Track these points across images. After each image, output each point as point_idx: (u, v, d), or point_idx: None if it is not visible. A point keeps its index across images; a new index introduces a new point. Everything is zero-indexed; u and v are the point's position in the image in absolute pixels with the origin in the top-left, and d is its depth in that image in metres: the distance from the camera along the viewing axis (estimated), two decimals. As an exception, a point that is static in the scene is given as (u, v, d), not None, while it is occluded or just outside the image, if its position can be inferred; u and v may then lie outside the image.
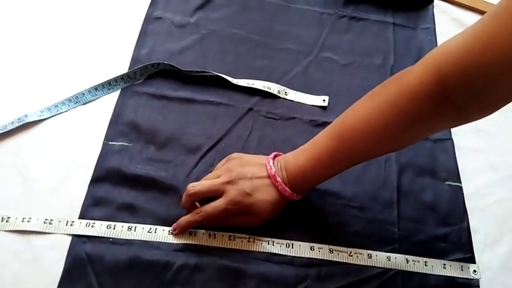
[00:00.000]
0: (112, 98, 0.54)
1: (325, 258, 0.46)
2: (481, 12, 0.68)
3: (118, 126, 0.52)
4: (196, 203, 0.46)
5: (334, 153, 0.43)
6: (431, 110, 0.38)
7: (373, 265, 0.46)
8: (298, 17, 0.65)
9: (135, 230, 0.45)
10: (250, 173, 0.45)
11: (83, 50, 0.58)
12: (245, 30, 0.62)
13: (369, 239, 0.47)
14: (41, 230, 0.44)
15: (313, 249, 0.46)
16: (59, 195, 0.47)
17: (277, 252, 0.46)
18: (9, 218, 0.45)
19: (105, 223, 0.45)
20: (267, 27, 0.63)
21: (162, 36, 0.60)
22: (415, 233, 0.48)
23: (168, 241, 0.45)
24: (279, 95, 0.57)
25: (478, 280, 0.46)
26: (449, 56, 0.35)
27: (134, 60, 0.57)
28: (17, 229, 0.44)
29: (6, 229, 0.44)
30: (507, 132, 0.57)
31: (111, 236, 0.45)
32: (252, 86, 0.57)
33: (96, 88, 0.54)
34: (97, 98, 0.54)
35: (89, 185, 0.48)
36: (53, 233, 0.45)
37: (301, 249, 0.46)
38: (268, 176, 0.45)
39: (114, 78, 0.55)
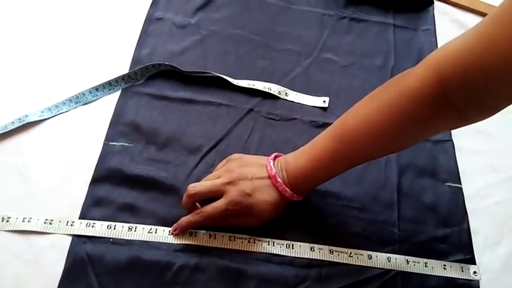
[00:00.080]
0: (113, 98, 0.54)
1: (326, 259, 0.46)
2: (482, 14, 0.68)
3: (119, 126, 0.52)
4: (197, 204, 0.46)
5: (335, 154, 0.43)
6: (431, 112, 0.38)
7: (374, 266, 0.46)
8: (299, 18, 0.65)
9: (135, 230, 0.45)
10: (250, 174, 0.45)
11: (83, 50, 0.58)
12: (246, 31, 0.63)
13: (369, 240, 0.48)
14: (41, 230, 0.44)
15: (314, 250, 0.46)
16: (59, 196, 0.47)
17: (277, 252, 0.46)
18: (9, 218, 0.45)
19: (106, 223, 0.45)
20: (267, 28, 0.63)
21: (163, 36, 0.60)
22: (416, 234, 0.48)
23: (168, 241, 0.45)
24: (279, 95, 0.57)
25: (478, 281, 0.46)
26: (449, 58, 0.35)
27: (135, 60, 0.58)
28: (17, 229, 0.44)
29: (7, 229, 0.44)
30: (507, 134, 0.57)
31: (111, 236, 0.45)
32: (253, 87, 0.57)
33: (96, 88, 0.54)
34: (98, 98, 0.54)
35: (90, 185, 0.48)
36: (53, 233, 0.45)
37: (302, 250, 0.46)
38: (269, 177, 0.45)
39: (114, 78, 0.55)
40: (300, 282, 0.44)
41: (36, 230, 0.44)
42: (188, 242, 0.45)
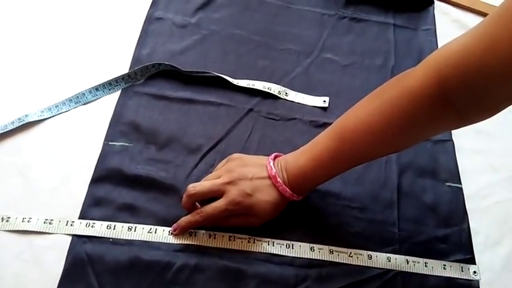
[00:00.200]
0: (113, 98, 0.54)
1: (326, 259, 0.46)
2: (482, 14, 0.68)
3: (118, 126, 0.52)
4: (197, 204, 0.46)
5: (335, 154, 0.43)
6: (432, 112, 0.38)
7: (374, 266, 0.46)
8: (299, 18, 0.65)
9: (135, 230, 0.45)
10: (250, 174, 0.45)
11: (83, 50, 0.58)
12: (246, 30, 0.63)
13: (369, 240, 0.47)
14: (41, 230, 0.44)
15: (314, 250, 0.46)
16: (59, 195, 0.47)
17: (277, 252, 0.46)
18: (9, 218, 0.45)
19: (106, 223, 0.45)
20: (267, 27, 0.63)
21: (163, 36, 0.60)
22: (416, 234, 0.48)
23: (168, 241, 0.45)
24: (279, 95, 0.57)
25: (478, 281, 0.46)
26: (450, 58, 0.35)
27: (135, 60, 0.58)
28: (17, 229, 0.44)
29: (7, 229, 0.44)
30: (507, 134, 0.57)
31: (111, 236, 0.45)
32: (253, 87, 0.57)
33: (96, 88, 0.54)
34: (98, 98, 0.54)
35: (89, 185, 0.48)
36: (53, 233, 0.45)
37: (302, 250, 0.46)
38: (269, 177, 0.45)
39: (114, 78, 0.55)
40: (300, 282, 0.44)
41: (36, 230, 0.44)
42: (188, 242, 0.45)
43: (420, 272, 0.46)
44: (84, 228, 0.45)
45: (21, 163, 0.49)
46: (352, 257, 0.46)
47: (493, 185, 0.53)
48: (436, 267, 0.46)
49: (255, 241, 0.46)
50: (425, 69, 0.37)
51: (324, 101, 0.57)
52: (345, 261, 0.46)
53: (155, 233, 0.45)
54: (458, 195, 0.52)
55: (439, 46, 0.54)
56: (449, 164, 0.54)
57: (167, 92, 0.55)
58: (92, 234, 0.45)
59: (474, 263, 0.47)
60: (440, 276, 0.46)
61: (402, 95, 0.38)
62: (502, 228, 0.50)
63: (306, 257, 0.46)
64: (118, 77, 0.55)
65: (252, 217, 0.45)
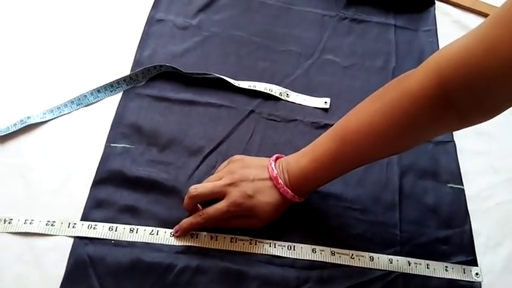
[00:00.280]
0: (114, 100, 0.55)
1: (327, 261, 0.46)
2: (483, 15, 0.68)
3: (120, 128, 0.52)
4: (198, 205, 0.46)
5: (336, 155, 0.43)
6: (433, 113, 0.38)
7: (375, 267, 0.46)
8: (300, 19, 0.65)
9: (137, 232, 0.45)
10: (252, 175, 0.45)
11: (85, 52, 0.58)
12: (247, 32, 0.63)
13: (370, 242, 0.47)
14: (43, 232, 0.45)
15: (315, 252, 0.46)
16: (61, 197, 0.47)
17: (278, 254, 0.46)
18: (11, 219, 0.45)
19: (107, 225, 0.45)
20: (268, 29, 0.63)
21: (164, 38, 0.60)
22: (417, 236, 0.48)
23: (170, 243, 0.45)
24: (280, 97, 0.57)
25: (480, 283, 0.46)
26: (450, 59, 0.35)
27: (136, 62, 0.58)
28: (19, 231, 0.44)
29: (8, 231, 0.44)
30: (509, 135, 0.57)
31: (113, 238, 0.45)
32: (254, 88, 0.57)
33: (98, 90, 0.55)
34: (99, 100, 0.54)
35: (91, 187, 0.48)
36: (55, 235, 0.45)
37: (303, 252, 0.46)
38: (270, 178, 0.45)
39: (116, 80, 0.55)
40: (302, 284, 0.44)
41: (37, 231, 0.44)
42: (190, 244, 0.45)
43: (422, 274, 0.46)
44: (86, 230, 0.45)
45: (23, 165, 0.49)
46: (353, 258, 0.46)
47: (494, 187, 0.53)
48: (438, 269, 0.46)
49: (257, 243, 0.46)
50: (426, 71, 0.37)
51: (325, 103, 0.57)
52: (346, 263, 0.46)
53: (157, 234, 0.45)
54: (460, 196, 0.52)
55: (440, 47, 0.54)
56: (451, 165, 0.54)
57: (168, 94, 0.55)
58: (93, 236, 0.45)
59: (476, 265, 0.47)
60: (442, 278, 0.46)
61: (403, 96, 0.38)
62: (503, 230, 0.50)
63: (307, 258, 0.46)
64: (119, 78, 0.55)
65: (253, 219, 0.45)
